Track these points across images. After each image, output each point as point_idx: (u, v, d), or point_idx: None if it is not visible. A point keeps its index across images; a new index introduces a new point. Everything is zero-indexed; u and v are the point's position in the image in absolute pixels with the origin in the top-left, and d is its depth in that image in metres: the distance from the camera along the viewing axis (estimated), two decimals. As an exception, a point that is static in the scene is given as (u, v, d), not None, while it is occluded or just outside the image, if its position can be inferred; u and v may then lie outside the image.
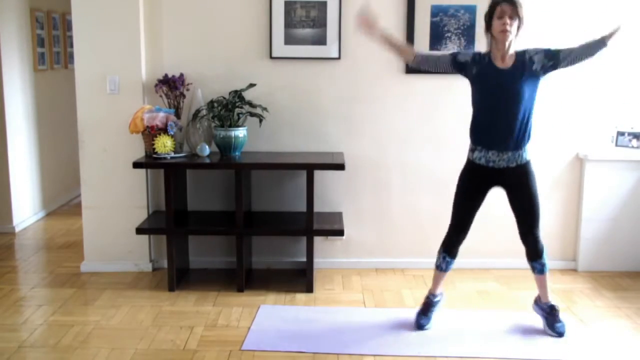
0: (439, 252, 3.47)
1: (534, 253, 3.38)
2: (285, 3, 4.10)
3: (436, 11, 4.11)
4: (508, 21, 3.14)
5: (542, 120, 4.26)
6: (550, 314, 3.41)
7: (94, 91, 4.13)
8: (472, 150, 3.32)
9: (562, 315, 3.43)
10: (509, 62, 3.21)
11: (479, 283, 4.14)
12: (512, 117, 3.18)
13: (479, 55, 3.29)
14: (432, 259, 3.84)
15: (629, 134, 4.25)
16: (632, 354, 3.20)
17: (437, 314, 3.50)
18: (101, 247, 4.29)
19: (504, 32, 3.15)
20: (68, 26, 6.11)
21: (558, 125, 4.28)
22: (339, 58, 4.17)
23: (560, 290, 4.03)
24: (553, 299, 3.48)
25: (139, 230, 4.01)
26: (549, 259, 4.38)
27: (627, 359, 3.17)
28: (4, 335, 3.33)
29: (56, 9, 5.99)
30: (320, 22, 4.12)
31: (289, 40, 4.14)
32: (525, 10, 3.22)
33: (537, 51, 3.24)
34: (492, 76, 3.21)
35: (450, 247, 3.43)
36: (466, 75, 3.29)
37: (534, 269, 3.42)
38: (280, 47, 4.14)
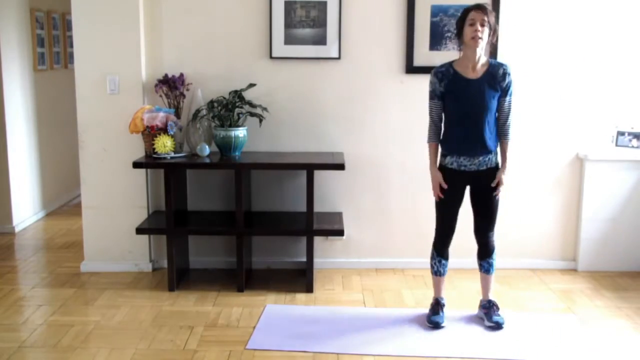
0: (432, 258, 3.52)
1: (486, 252, 3.49)
2: (285, 3, 4.09)
3: (436, 11, 4.11)
4: (479, 28, 3.15)
5: (542, 120, 4.27)
6: (489, 308, 3.49)
7: (94, 91, 4.13)
8: (443, 156, 3.40)
9: (502, 312, 3.52)
10: (479, 72, 3.25)
11: (479, 283, 4.13)
12: (482, 126, 3.24)
13: (442, 71, 3.30)
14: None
15: (629, 133, 4.25)
16: (632, 354, 3.20)
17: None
18: (101, 247, 4.29)
19: (475, 39, 3.16)
20: (68, 26, 6.11)
21: (558, 125, 4.28)
22: (339, 58, 4.17)
23: (560, 290, 4.03)
24: (493, 296, 3.57)
25: (139, 230, 4.01)
26: (549, 258, 4.42)
27: (627, 358, 3.17)
28: (4, 335, 3.33)
29: (56, 9, 5.99)
30: (320, 22, 4.12)
31: (289, 40, 4.14)
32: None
33: (510, 78, 3.27)
34: (461, 87, 3.25)
35: (441, 250, 3.50)
36: (441, 94, 3.31)
37: (481, 267, 3.53)
38: (280, 47, 4.14)
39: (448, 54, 4.13)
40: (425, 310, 3.61)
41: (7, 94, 5.17)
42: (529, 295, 3.96)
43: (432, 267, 3.54)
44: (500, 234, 4.21)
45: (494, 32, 3.22)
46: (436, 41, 4.14)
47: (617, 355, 3.18)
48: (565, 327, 3.48)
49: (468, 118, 3.25)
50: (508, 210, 4.30)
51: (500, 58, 4.13)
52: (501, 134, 3.35)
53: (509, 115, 3.32)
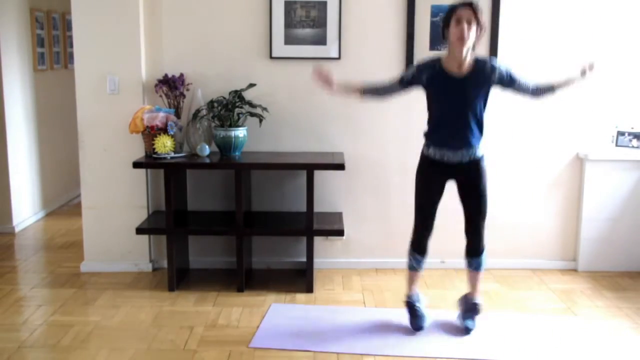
0: (409, 253, 3.44)
1: (475, 250, 3.37)
2: (285, 3, 4.10)
3: (436, 11, 4.11)
4: (465, 27, 3.04)
5: (542, 120, 4.27)
6: (470, 309, 3.41)
7: (94, 91, 4.13)
8: (426, 146, 3.31)
9: (486, 321, 3.44)
10: (465, 70, 3.15)
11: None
12: (466, 122, 3.17)
13: (428, 63, 3.21)
14: (431, 259, 3.85)
15: (629, 134, 4.25)
16: (632, 354, 3.20)
17: (427, 312, 3.48)
18: (101, 247, 4.29)
19: (461, 39, 3.05)
20: (68, 26, 6.11)
21: (558, 125, 4.28)
22: (339, 58, 4.17)
23: (560, 290, 4.03)
24: (480, 299, 3.47)
25: (139, 230, 4.01)
26: (549, 258, 4.42)
27: (627, 358, 3.17)
28: (4, 335, 3.33)
29: (56, 9, 5.99)
30: (320, 22, 4.12)
31: (289, 40, 4.14)
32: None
33: (499, 65, 3.19)
34: (445, 84, 3.16)
35: (418, 245, 3.41)
36: (418, 85, 3.24)
37: (470, 265, 3.42)
38: (280, 47, 4.14)
39: (448, 54, 4.14)
40: (425, 309, 3.61)
41: (7, 94, 5.17)
42: (529, 295, 3.96)
43: (408, 261, 3.45)
44: (500, 234, 4.22)
45: (482, 30, 3.11)
46: (436, 41, 4.14)
47: (617, 355, 3.19)
48: (565, 327, 3.48)
49: (452, 116, 3.18)
50: (508, 210, 4.31)
51: (500, 58, 4.13)
52: (541, 87, 3.24)
53: (526, 82, 3.22)
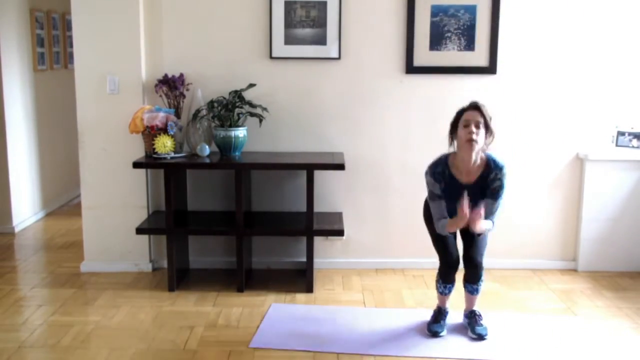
0: (437, 282, 3.41)
1: (474, 277, 3.33)
2: (285, 3, 4.09)
3: (436, 11, 4.11)
4: (474, 130, 3.02)
5: (542, 120, 4.27)
6: (472, 318, 3.39)
7: (94, 91, 4.13)
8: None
9: (486, 321, 3.41)
10: (473, 177, 3.12)
11: (479, 283, 4.14)
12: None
13: (439, 172, 3.14)
14: (432, 259, 3.83)
15: (629, 134, 4.25)
16: (632, 354, 3.20)
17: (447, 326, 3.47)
18: (101, 247, 4.29)
19: (470, 141, 3.02)
20: (68, 26, 6.11)
21: (558, 125, 4.28)
22: (339, 58, 4.17)
23: (560, 290, 4.03)
24: (476, 307, 3.45)
25: (139, 230, 4.01)
26: (549, 258, 4.42)
27: (627, 358, 3.17)
28: (4, 335, 3.33)
29: (56, 9, 5.99)
30: (320, 22, 4.12)
31: (289, 40, 4.14)
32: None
33: (500, 181, 3.12)
34: (455, 191, 3.10)
35: (446, 278, 3.37)
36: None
37: (465, 288, 3.39)
38: (280, 47, 4.14)
39: (448, 54, 4.14)
40: (425, 309, 3.61)
41: (7, 94, 5.17)
42: (529, 295, 3.96)
43: (437, 288, 3.44)
44: (500, 234, 4.22)
45: (491, 134, 3.08)
46: (436, 41, 4.14)
47: (617, 355, 3.18)
48: (565, 327, 3.48)
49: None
50: (508, 210, 4.30)
51: (500, 58, 4.14)
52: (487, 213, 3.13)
53: (491, 209, 3.13)
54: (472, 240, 3.28)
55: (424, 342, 3.29)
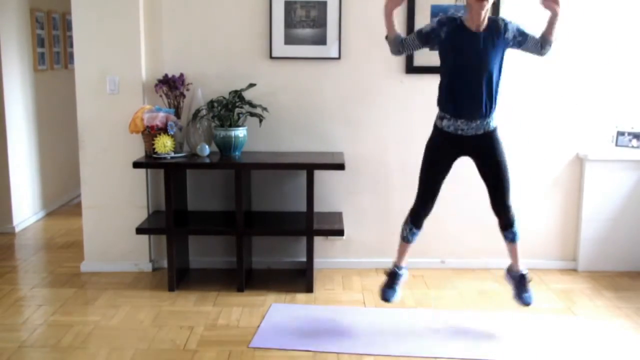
0: (405, 223, 3.43)
1: (506, 223, 3.36)
2: (285, 3, 4.10)
3: (436, 11, 4.11)
4: None
5: (542, 120, 4.27)
6: (520, 283, 3.41)
7: (94, 91, 4.13)
8: (440, 118, 3.31)
9: (532, 286, 3.44)
10: (483, 29, 3.18)
11: (479, 283, 4.14)
12: (480, 82, 3.15)
13: (449, 17, 3.24)
14: (432, 259, 3.85)
15: (629, 133, 4.25)
16: (632, 354, 3.20)
17: (402, 289, 3.47)
18: (101, 247, 4.29)
19: (482, 0, 3.08)
20: (68, 26, 6.11)
21: (558, 125, 4.28)
22: (339, 58, 4.17)
23: (560, 290, 4.03)
24: (524, 268, 3.45)
25: (139, 230, 4.01)
26: (549, 258, 4.42)
27: (627, 358, 3.17)
28: (4, 335, 3.33)
29: (56, 9, 5.99)
30: (320, 22, 4.12)
31: (289, 40, 4.14)
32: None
33: (510, 21, 3.22)
34: (463, 37, 3.16)
35: (417, 218, 3.40)
36: (435, 41, 3.22)
37: (505, 237, 3.41)
38: (280, 47, 4.14)
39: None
40: (425, 309, 3.61)
41: (7, 94, 5.17)
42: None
43: (402, 231, 3.44)
44: (500, 234, 4.21)
45: None
46: (436, 41, 4.14)
47: (617, 355, 3.19)
48: (565, 327, 3.48)
49: (467, 72, 3.16)
50: (508, 210, 4.30)
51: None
52: (538, 42, 3.24)
53: (534, 35, 3.23)
54: (494, 181, 3.28)
55: (424, 342, 3.29)
